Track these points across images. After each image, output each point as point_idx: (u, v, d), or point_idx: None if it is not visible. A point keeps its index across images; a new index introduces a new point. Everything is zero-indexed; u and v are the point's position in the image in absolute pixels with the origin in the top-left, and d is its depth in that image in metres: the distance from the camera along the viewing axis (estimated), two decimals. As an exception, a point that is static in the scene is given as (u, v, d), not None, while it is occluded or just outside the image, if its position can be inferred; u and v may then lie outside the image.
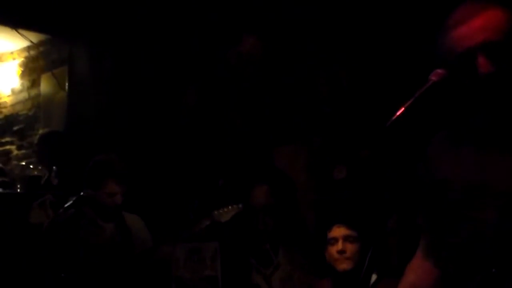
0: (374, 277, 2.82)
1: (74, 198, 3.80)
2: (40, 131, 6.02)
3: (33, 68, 6.86)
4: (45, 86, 6.69)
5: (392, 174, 2.64)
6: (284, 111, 4.23)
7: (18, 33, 6.18)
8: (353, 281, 2.84)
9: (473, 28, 1.65)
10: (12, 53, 7.00)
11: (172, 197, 4.71)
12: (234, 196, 3.94)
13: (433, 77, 1.73)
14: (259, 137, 4.36)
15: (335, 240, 2.97)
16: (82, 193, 3.75)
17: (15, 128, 7.06)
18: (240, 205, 3.62)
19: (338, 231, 2.98)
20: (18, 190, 5.42)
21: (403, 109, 1.71)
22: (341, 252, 2.94)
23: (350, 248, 2.93)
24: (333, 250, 2.97)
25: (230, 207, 3.60)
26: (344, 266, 2.93)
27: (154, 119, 5.01)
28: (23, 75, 6.98)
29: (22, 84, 7.02)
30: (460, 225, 1.76)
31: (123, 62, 5.36)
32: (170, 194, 4.73)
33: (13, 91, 7.14)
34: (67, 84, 6.11)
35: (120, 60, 5.40)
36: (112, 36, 5.45)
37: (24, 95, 7.01)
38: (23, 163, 6.45)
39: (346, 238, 2.95)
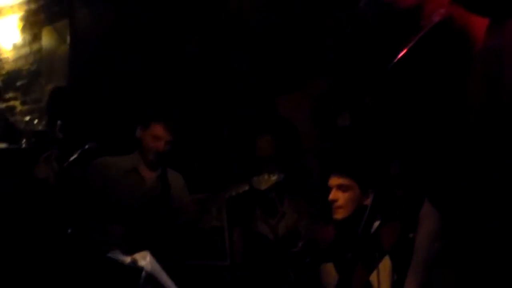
0: (377, 223, 2.82)
1: (79, 152, 3.79)
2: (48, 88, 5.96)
3: (34, 21, 6.78)
4: (46, 40, 6.62)
5: (395, 120, 2.62)
6: (287, 59, 4.18)
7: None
8: (353, 228, 2.85)
9: None
10: (12, 6, 6.90)
11: (176, 147, 4.71)
12: (239, 146, 3.93)
13: (435, 17, 1.69)
14: (262, 85, 4.32)
15: (330, 189, 2.97)
16: (86, 146, 3.74)
17: (18, 83, 7.02)
18: (282, 174, 3.56)
19: (332, 180, 2.99)
20: (23, 146, 5.42)
21: (405, 50, 1.67)
22: (332, 201, 2.94)
23: (342, 196, 2.92)
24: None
25: (270, 175, 3.54)
26: (336, 215, 2.94)
27: (157, 70, 4.97)
28: (24, 29, 6.90)
29: (24, 39, 6.94)
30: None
31: (124, 12, 5.29)
32: (175, 145, 4.72)
33: (14, 46, 7.08)
34: (68, 37, 6.05)
35: (121, 11, 5.33)
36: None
37: (26, 50, 6.95)
38: (28, 118, 6.44)
39: (338, 187, 2.95)
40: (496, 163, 1.65)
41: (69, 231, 3.24)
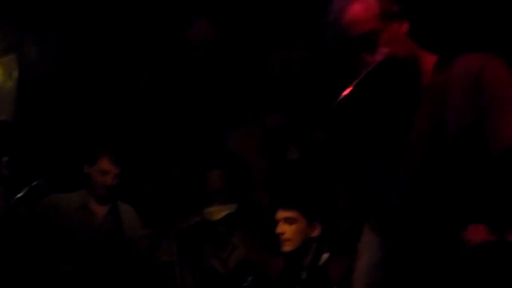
0: (326, 256, 2.87)
1: (26, 189, 3.73)
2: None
3: (-21, 56, 6.69)
4: (-8, 75, 6.54)
5: (341, 154, 2.67)
6: (236, 94, 4.23)
7: (-38, 20, 6.01)
8: (301, 260, 2.90)
9: None
10: (-43, 41, 6.80)
11: (125, 183, 4.68)
12: (190, 182, 3.93)
13: (378, 57, 1.75)
14: (211, 120, 4.35)
15: (277, 222, 3.02)
16: (34, 183, 3.69)
17: (-37, 119, 6.88)
18: (234, 205, 3.59)
19: (279, 213, 3.04)
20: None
21: (350, 88, 1.72)
22: (280, 234, 2.98)
23: (289, 229, 2.97)
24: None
25: (223, 206, 3.57)
26: (284, 247, 2.98)
27: (106, 105, 4.95)
28: (-31, 64, 6.79)
29: (-31, 74, 6.84)
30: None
31: (73, 47, 5.27)
32: (124, 180, 4.69)
33: (-40, 81, 6.96)
34: (16, 72, 5.97)
35: (70, 46, 5.31)
36: (61, 21, 5.34)
37: (-29, 84, 6.84)
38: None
39: (285, 220, 3.00)
40: (441, 192, 1.70)
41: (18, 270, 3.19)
